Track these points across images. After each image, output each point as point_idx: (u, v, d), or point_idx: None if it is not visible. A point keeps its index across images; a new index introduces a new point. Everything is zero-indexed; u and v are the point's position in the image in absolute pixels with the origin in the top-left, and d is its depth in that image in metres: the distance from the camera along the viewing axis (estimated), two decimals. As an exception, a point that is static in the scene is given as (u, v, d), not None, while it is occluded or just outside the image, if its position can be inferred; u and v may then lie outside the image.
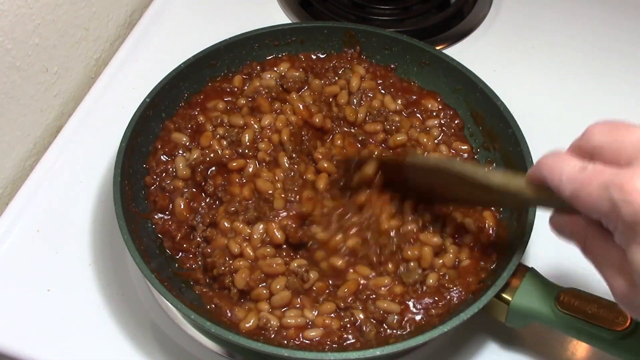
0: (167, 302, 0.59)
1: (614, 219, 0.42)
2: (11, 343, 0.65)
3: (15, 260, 0.70)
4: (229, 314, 0.62)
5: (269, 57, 0.78)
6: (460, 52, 0.86)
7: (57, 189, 0.75)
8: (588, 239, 0.48)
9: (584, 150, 0.47)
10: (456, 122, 0.74)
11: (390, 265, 0.63)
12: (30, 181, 0.75)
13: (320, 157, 0.70)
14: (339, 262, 0.63)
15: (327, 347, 0.59)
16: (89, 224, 0.72)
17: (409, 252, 0.64)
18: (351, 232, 0.65)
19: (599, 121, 0.47)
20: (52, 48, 0.79)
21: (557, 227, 0.51)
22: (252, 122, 0.71)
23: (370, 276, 0.63)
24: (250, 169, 0.69)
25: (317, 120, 0.72)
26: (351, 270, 0.64)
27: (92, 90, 0.83)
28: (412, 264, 0.64)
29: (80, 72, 0.85)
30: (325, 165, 0.69)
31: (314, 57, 0.78)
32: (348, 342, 0.60)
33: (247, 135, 0.70)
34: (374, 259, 0.63)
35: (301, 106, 0.72)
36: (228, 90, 0.76)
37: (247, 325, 0.60)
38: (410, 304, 0.62)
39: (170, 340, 0.66)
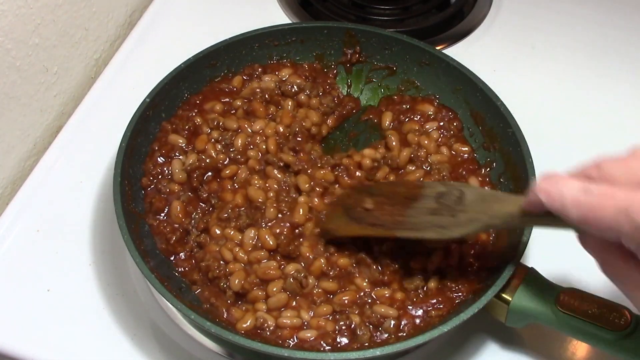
0: (167, 302, 0.59)
1: (638, 240, 0.41)
2: (11, 343, 0.65)
3: (15, 260, 0.70)
4: (226, 314, 0.62)
5: (272, 62, 0.78)
6: (460, 52, 0.86)
7: (57, 189, 0.75)
8: (605, 257, 0.47)
9: (582, 171, 0.46)
10: (455, 124, 0.74)
11: (395, 282, 0.63)
12: (30, 181, 0.75)
13: (306, 186, 0.68)
14: (329, 285, 0.63)
15: (320, 348, 0.60)
16: (89, 224, 0.73)
17: (416, 264, 0.64)
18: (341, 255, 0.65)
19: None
20: (52, 48, 0.79)
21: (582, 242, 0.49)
22: (246, 126, 0.72)
23: (372, 289, 0.63)
24: (243, 175, 0.69)
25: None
26: (351, 284, 0.64)
27: (92, 90, 0.83)
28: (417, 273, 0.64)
29: (80, 72, 0.85)
30: (316, 202, 0.67)
31: (316, 66, 0.78)
32: (341, 344, 0.60)
33: (239, 140, 0.70)
34: (377, 275, 0.63)
35: (293, 114, 0.72)
36: (227, 90, 0.76)
37: (245, 325, 0.60)
38: (410, 308, 0.62)
39: (170, 340, 0.66)
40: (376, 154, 0.71)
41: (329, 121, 0.75)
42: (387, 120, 0.75)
